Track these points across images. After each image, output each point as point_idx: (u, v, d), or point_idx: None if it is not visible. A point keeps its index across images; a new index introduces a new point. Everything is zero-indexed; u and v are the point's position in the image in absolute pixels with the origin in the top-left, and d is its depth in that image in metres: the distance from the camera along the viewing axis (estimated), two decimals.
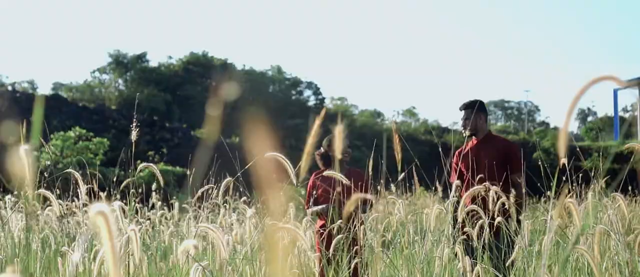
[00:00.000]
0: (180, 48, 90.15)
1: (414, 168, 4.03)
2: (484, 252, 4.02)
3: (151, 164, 2.70)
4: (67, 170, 3.11)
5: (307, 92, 45.24)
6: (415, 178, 3.69)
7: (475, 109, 5.47)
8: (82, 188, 2.86)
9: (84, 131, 17.13)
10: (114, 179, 3.94)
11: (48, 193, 3.03)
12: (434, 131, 35.76)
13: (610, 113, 34.62)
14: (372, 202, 5.30)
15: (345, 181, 2.66)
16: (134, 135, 2.66)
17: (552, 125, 45.83)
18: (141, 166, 2.76)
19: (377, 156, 3.63)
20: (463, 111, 5.56)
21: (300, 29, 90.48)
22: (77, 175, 2.92)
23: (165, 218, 7.37)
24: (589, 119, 53.13)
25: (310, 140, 1.53)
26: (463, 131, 5.56)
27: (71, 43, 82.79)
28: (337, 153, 1.66)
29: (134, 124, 2.67)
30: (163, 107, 37.17)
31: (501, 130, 45.44)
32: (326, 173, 3.03)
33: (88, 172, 3.74)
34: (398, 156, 2.94)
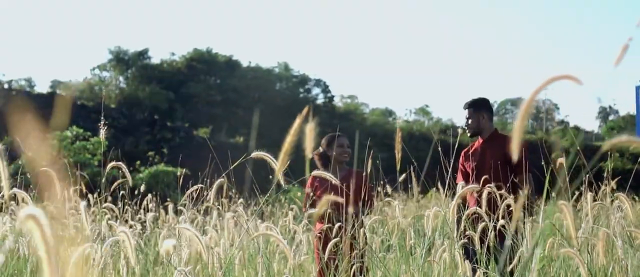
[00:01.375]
0: (184, 44, 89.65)
1: (417, 168, 3.88)
2: (488, 257, 3.87)
3: (119, 162, 2.54)
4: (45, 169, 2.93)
5: (316, 90, 44.52)
6: (414, 179, 3.53)
7: (477, 108, 5.32)
8: (59, 188, 2.69)
9: (82, 130, 16.95)
10: (103, 180, 3.78)
11: (24, 194, 2.87)
12: (448, 130, 35.48)
13: (633, 111, 34.27)
14: (372, 203, 5.15)
15: (335, 181, 2.49)
16: (102, 134, 2.51)
17: (571, 124, 45.29)
18: (110, 165, 2.60)
19: (377, 156, 3.48)
20: (466, 110, 5.41)
21: (308, 25, 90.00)
22: (54, 175, 2.74)
23: (162, 221, 7.22)
24: (611, 117, 52.26)
25: (289, 138, 1.41)
26: (467, 131, 5.41)
27: (70, 39, 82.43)
28: (308, 152, 1.51)
29: (103, 123, 2.53)
30: (165, 105, 36.97)
31: None
32: (315, 173, 2.86)
33: (71, 173, 3.57)
34: (398, 155, 2.80)
